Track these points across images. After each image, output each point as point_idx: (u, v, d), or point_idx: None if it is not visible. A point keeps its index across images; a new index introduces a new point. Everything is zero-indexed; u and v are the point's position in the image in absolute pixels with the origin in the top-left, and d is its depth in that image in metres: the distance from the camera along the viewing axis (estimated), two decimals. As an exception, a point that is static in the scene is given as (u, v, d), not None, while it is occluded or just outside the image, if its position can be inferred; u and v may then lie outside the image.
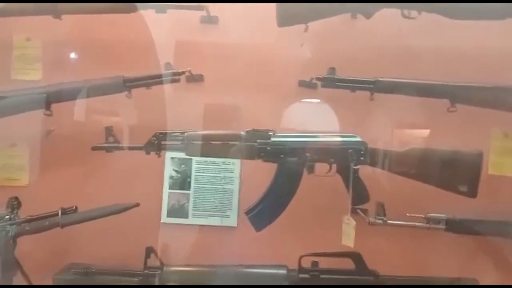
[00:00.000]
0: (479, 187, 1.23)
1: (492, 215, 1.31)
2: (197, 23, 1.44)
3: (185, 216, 1.44)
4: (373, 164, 1.20)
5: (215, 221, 1.43)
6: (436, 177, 1.18)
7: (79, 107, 1.36)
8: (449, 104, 1.29)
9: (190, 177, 1.44)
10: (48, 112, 1.31)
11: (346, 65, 1.35)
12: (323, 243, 1.28)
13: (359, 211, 1.29)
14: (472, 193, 1.18)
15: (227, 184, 1.44)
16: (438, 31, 1.34)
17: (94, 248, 1.40)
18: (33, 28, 1.44)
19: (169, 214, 1.44)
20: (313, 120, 1.39)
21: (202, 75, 1.41)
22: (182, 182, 1.44)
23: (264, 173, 1.33)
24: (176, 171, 1.44)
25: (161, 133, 1.23)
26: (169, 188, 1.44)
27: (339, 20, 1.35)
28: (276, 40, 1.41)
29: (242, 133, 1.22)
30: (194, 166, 1.44)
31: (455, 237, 1.28)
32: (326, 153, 1.20)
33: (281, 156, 1.21)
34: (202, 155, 1.25)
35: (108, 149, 1.25)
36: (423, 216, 1.29)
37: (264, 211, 1.22)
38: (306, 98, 1.42)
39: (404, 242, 1.34)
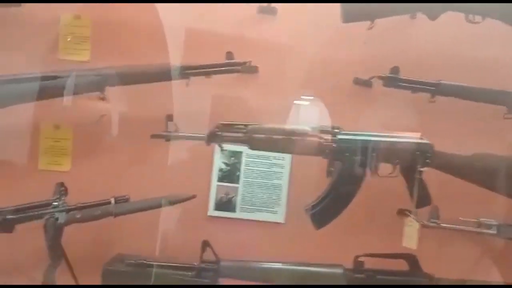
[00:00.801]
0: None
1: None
2: (254, 12, 1.40)
3: (233, 210, 1.41)
4: (438, 167, 1.20)
5: (262, 216, 1.41)
6: (500, 183, 1.19)
7: (132, 93, 1.30)
8: (505, 110, 1.31)
9: (239, 171, 1.41)
10: (102, 96, 1.25)
11: (404, 65, 1.34)
12: (375, 243, 1.29)
13: (407, 212, 1.30)
14: (534, 200, 1.20)
15: (276, 179, 1.41)
16: (500, 39, 1.35)
17: (139, 239, 1.35)
18: (81, 6, 1.38)
19: (217, 207, 1.41)
20: (367, 120, 1.38)
21: (256, 67, 1.37)
22: (231, 175, 1.41)
23: (314, 169, 1.33)
24: (225, 163, 1.41)
25: (224, 124, 1.20)
26: (218, 181, 1.41)
27: (399, 20, 1.34)
28: (335, 37, 1.39)
29: (308, 129, 1.20)
30: (244, 160, 1.41)
31: (507, 243, 1.30)
32: (392, 153, 1.19)
33: (347, 154, 1.19)
34: (265, 149, 1.22)
35: (168, 138, 1.21)
36: (475, 220, 1.30)
37: (326, 209, 1.21)
38: (360, 96, 1.41)
39: (455, 245, 1.35)
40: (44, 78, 1.23)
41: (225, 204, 1.41)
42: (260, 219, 1.41)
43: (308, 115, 1.37)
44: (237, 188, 1.41)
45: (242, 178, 1.41)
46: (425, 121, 1.35)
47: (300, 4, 1.39)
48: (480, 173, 1.19)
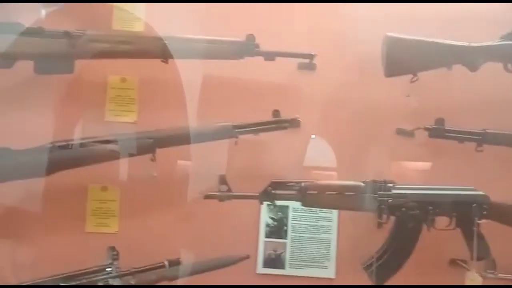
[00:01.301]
0: None
1: None
2: (294, 68, 1.44)
3: (282, 266, 1.38)
4: (495, 218, 1.19)
5: (313, 272, 1.38)
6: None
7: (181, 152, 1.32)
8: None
9: (286, 225, 1.40)
10: (153, 157, 1.26)
11: (447, 115, 1.36)
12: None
13: (459, 262, 1.27)
14: None
15: (324, 233, 1.40)
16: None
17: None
18: (127, 68, 1.42)
19: (265, 265, 1.38)
20: (412, 171, 1.39)
21: (299, 121, 1.39)
22: (279, 230, 1.39)
23: (362, 222, 1.32)
24: (272, 218, 1.40)
25: (276, 182, 1.20)
26: (266, 237, 1.39)
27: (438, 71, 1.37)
28: (375, 89, 1.42)
29: (362, 184, 1.20)
30: (291, 214, 1.40)
31: None
32: (448, 206, 1.19)
33: (403, 209, 1.18)
34: (318, 206, 1.22)
35: (221, 198, 1.21)
36: (533, 271, 1.28)
37: (384, 265, 1.19)
38: (403, 147, 1.42)
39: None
40: (97, 142, 1.24)
41: (274, 260, 1.38)
42: (311, 275, 1.38)
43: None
44: (285, 243, 1.39)
45: (290, 233, 1.39)
46: (472, 171, 1.35)
47: (338, 58, 1.43)
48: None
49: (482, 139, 1.30)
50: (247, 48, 1.30)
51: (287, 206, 1.40)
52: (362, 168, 1.38)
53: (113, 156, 1.23)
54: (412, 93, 1.37)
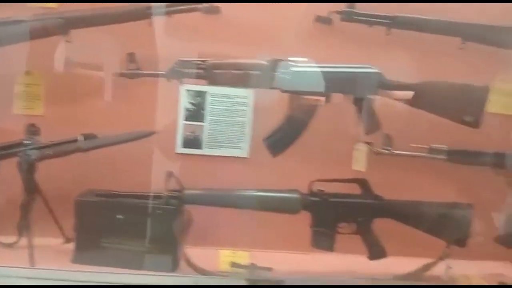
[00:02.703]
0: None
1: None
2: None
3: (199, 147, 1.49)
4: (387, 95, 1.27)
5: (227, 152, 1.49)
6: (445, 108, 1.26)
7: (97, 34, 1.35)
8: (460, 41, 1.35)
9: (204, 110, 1.48)
10: (68, 39, 1.29)
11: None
12: (332, 170, 1.37)
13: (367, 143, 1.37)
14: (476, 124, 1.27)
15: (240, 116, 1.49)
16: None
17: (111, 175, 1.44)
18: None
19: (184, 145, 1.49)
20: (329, 55, 1.43)
21: (218, 6, 1.40)
22: (197, 114, 1.48)
23: (276, 105, 1.39)
24: (191, 103, 1.47)
25: (183, 60, 1.25)
26: (184, 120, 1.48)
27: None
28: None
29: (264, 62, 1.26)
30: (208, 99, 1.47)
31: (456, 167, 1.39)
32: (343, 83, 1.26)
33: (301, 85, 1.25)
34: (222, 84, 1.28)
35: (131, 76, 1.26)
36: (426, 147, 1.39)
37: (282, 137, 1.28)
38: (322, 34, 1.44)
39: (407, 171, 1.44)
40: (8, 23, 1.27)
41: (192, 141, 1.49)
42: (226, 155, 1.49)
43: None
44: (202, 126, 1.48)
45: (207, 117, 1.48)
46: (382, 54, 1.40)
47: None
48: (425, 98, 1.25)
49: (392, 23, 1.33)
50: None
51: (205, 92, 1.47)
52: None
53: (24, 37, 1.26)
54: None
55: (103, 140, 1.31)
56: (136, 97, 1.44)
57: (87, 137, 1.30)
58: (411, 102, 1.27)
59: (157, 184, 1.36)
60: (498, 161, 1.39)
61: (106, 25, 1.31)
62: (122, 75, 1.27)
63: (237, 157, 1.50)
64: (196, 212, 1.44)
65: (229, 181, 1.48)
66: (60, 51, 1.36)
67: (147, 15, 1.31)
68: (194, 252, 1.36)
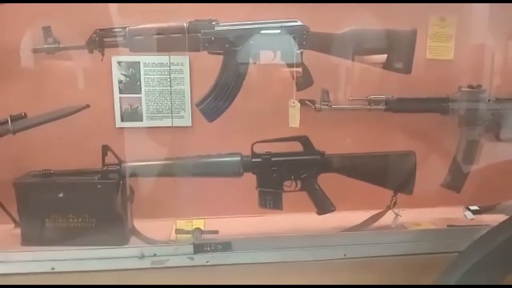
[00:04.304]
0: (418, 69, 1.32)
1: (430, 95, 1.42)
2: None
3: (140, 119, 1.46)
4: (315, 48, 1.24)
5: (169, 122, 1.47)
6: (373, 56, 1.24)
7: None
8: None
9: (139, 81, 1.44)
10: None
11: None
12: (273, 129, 1.36)
13: (306, 101, 1.36)
14: (407, 69, 1.26)
15: (177, 85, 1.45)
16: None
17: (52, 156, 1.40)
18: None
19: (124, 119, 1.46)
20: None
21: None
22: (132, 86, 1.44)
23: (213, 70, 1.36)
24: (124, 75, 1.44)
25: (101, 29, 1.21)
26: (120, 93, 1.44)
27: None
28: None
29: (185, 24, 1.22)
30: (142, 69, 1.44)
31: (395, 116, 1.39)
32: (270, 39, 1.23)
33: (226, 45, 1.22)
34: (145, 51, 1.24)
35: (49, 51, 1.22)
36: (365, 98, 1.38)
37: (215, 101, 1.26)
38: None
39: (349, 125, 1.44)
40: None
41: (131, 114, 1.46)
42: (168, 125, 1.47)
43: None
44: (140, 97, 1.45)
45: (143, 88, 1.45)
46: (307, 7, 1.36)
47: None
48: (352, 48, 1.23)
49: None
50: None
51: (138, 62, 1.43)
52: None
53: None
54: None
55: (33, 119, 1.27)
56: (63, 73, 1.39)
57: (15, 118, 1.27)
58: (336, 53, 1.24)
59: (99, 160, 1.34)
60: (436, 106, 1.39)
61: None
62: (40, 50, 1.22)
63: (180, 127, 1.48)
64: (145, 186, 1.43)
65: (174, 152, 1.46)
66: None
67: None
68: (148, 225, 1.37)
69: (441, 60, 1.49)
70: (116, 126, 1.46)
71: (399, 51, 1.24)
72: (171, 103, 1.43)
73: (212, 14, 1.29)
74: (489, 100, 1.40)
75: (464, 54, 1.50)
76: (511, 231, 1.03)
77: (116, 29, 1.21)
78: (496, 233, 1.06)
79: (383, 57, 1.26)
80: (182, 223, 1.41)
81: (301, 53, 1.24)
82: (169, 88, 1.44)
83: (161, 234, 1.37)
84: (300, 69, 1.25)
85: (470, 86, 1.40)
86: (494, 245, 1.03)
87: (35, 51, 1.23)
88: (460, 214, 1.55)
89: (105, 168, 1.28)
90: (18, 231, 1.37)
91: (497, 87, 1.47)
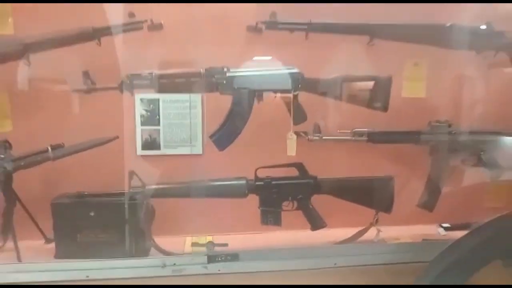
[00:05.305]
0: (395, 106, 1.59)
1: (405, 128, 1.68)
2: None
3: (158, 148, 1.69)
4: (308, 90, 1.51)
5: (183, 150, 1.70)
6: (356, 97, 1.51)
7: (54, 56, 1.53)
8: (368, 39, 1.60)
9: (158, 115, 1.68)
10: (27, 62, 1.47)
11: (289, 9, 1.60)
12: (273, 157, 1.60)
13: (301, 132, 1.61)
14: (384, 107, 1.52)
15: (192, 118, 1.70)
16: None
17: (82, 180, 1.62)
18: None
19: (144, 147, 1.69)
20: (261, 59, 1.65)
21: (161, 23, 1.60)
22: (152, 119, 1.68)
23: (223, 107, 1.61)
24: (146, 110, 1.68)
25: (132, 74, 1.45)
26: (141, 125, 1.68)
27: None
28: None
29: (202, 70, 1.47)
30: (161, 105, 1.68)
31: (376, 146, 1.64)
32: (271, 83, 1.49)
33: (235, 88, 1.48)
34: (168, 91, 1.49)
35: (87, 91, 1.45)
36: (350, 131, 1.63)
37: (225, 133, 1.50)
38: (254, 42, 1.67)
39: (337, 153, 1.68)
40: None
41: (151, 143, 1.69)
42: (182, 153, 1.70)
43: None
44: (159, 129, 1.69)
45: (162, 121, 1.68)
46: (303, 54, 1.63)
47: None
48: (339, 91, 1.50)
49: (308, 28, 1.57)
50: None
51: (158, 99, 1.68)
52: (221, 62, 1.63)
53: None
54: None
55: (69, 148, 1.49)
56: (95, 109, 1.63)
57: (54, 147, 1.49)
58: (327, 95, 1.51)
59: (124, 183, 1.56)
60: (410, 138, 1.65)
61: (59, 47, 1.49)
62: (80, 90, 1.45)
63: (193, 154, 1.71)
64: (162, 206, 1.64)
65: (187, 176, 1.68)
66: (22, 71, 1.53)
67: (94, 36, 1.49)
68: (164, 241, 1.57)
69: (415, 98, 1.75)
70: (137, 153, 1.69)
71: (378, 93, 1.51)
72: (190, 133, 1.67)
73: (223, 61, 1.56)
74: (454, 133, 1.66)
75: (434, 92, 1.76)
76: (473, 240, 1.27)
77: (144, 74, 1.46)
78: (460, 243, 1.29)
79: (365, 98, 1.52)
80: (193, 239, 1.63)
81: (297, 94, 1.49)
82: (183, 121, 1.69)
83: (174, 248, 1.58)
84: (295, 107, 1.50)
85: (438, 121, 1.66)
86: (460, 252, 1.26)
87: (74, 91, 1.46)
88: (434, 231, 1.79)
89: (130, 190, 1.50)
90: (48, 246, 1.57)
91: (462, 121, 1.74)
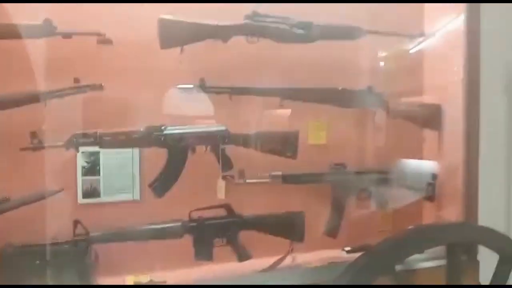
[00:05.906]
0: (302, 152, 1.96)
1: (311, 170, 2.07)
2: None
3: (98, 196, 1.86)
4: (234, 143, 1.82)
5: (122, 197, 1.89)
6: (272, 147, 1.86)
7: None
8: (279, 101, 1.98)
9: (99, 165, 1.85)
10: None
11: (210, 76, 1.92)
12: (205, 200, 1.86)
13: (228, 177, 1.90)
14: (294, 156, 1.89)
15: (129, 168, 1.90)
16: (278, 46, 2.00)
17: (26, 230, 1.70)
18: None
19: (84, 196, 1.84)
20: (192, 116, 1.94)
21: (101, 84, 1.81)
22: (93, 169, 1.85)
23: (157, 158, 1.84)
24: (87, 162, 1.84)
25: (78, 134, 1.64)
26: (82, 176, 1.84)
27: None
28: (159, 58, 1.90)
29: (142, 129, 1.71)
30: (102, 157, 1.86)
31: (290, 186, 2.00)
32: (202, 139, 1.78)
33: (171, 143, 1.73)
34: (111, 147, 1.69)
35: (34, 149, 1.60)
36: (268, 175, 1.97)
37: (162, 182, 1.74)
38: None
39: (259, 193, 2.00)
40: None
41: (91, 192, 1.85)
42: (121, 200, 1.88)
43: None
44: (99, 179, 1.86)
45: (102, 171, 1.86)
46: (231, 113, 1.95)
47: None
48: (259, 143, 1.84)
49: (231, 91, 1.89)
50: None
51: (98, 152, 1.85)
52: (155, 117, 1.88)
53: None
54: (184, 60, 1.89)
55: (15, 202, 1.60)
56: (38, 163, 1.75)
57: (1, 201, 1.59)
58: (250, 147, 1.84)
59: (67, 230, 1.69)
60: (316, 178, 2.04)
61: (4, 110, 1.62)
62: (27, 149, 1.59)
63: (131, 201, 1.90)
64: (103, 248, 1.79)
65: (127, 221, 1.86)
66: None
67: (38, 99, 1.66)
68: (106, 281, 1.72)
69: (318, 145, 2.16)
70: (78, 202, 1.83)
71: (288, 145, 1.88)
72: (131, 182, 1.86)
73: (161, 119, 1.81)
74: (349, 173, 2.08)
75: (333, 141, 2.19)
76: (365, 260, 1.62)
77: (90, 133, 1.65)
78: (356, 262, 1.64)
79: (278, 149, 1.87)
80: (131, 278, 1.80)
81: (225, 148, 1.80)
82: (122, 171, 1.88)
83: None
84: (223, 157, 1.80)
85: (336, 164, 2.08)
86: (354, 270, 1.61)
87: (23, 149, 1.59)
88: (339, 254, 2.18)
89: (75, 238, 1.64)
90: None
91: (355, 163, 2.18)
